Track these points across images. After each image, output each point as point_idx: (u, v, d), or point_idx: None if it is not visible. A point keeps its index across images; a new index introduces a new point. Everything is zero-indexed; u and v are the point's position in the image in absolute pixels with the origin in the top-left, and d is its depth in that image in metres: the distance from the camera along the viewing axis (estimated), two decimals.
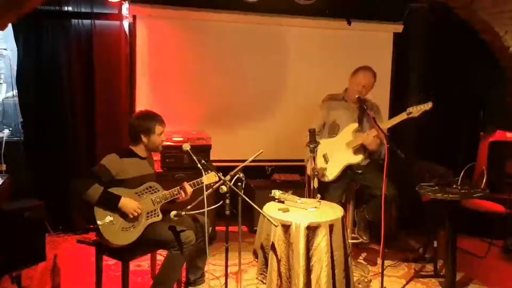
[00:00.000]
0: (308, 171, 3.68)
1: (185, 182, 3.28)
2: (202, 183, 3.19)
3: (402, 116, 3.63)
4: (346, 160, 3.84)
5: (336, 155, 3.87)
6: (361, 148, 3.83)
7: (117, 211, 3.01)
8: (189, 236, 3.11)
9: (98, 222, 2.95)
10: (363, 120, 3.91)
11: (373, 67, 3.90)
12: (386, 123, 3.72)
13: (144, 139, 3.19)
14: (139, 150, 3.23)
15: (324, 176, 3.85)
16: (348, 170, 3.89)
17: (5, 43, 4.69)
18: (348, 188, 4.01)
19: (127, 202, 3.02)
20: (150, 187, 3.21)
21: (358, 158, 3.82)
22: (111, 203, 2.99)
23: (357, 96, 3.80)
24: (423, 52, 5.39)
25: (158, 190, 3.24)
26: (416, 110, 3.58)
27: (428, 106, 3.56)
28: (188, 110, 4.90)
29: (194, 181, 3.28)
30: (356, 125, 3.85)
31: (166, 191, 3.23)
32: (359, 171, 3.91)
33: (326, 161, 3.90)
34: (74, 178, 3.03)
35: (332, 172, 3.86)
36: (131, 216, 3.03)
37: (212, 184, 3.25)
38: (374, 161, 3.93)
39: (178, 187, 3.26)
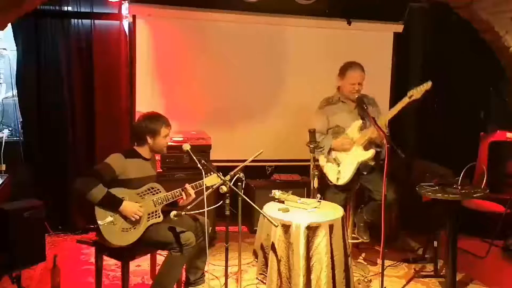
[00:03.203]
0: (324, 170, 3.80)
1: (187, 184, 3.27)
2: (204, 184, 3.18)
3: (405, 101, 3.57)
4: (358, 158, 3.76)
5: (347, 156, 3.80)
6: (369, 143, 3.76)
7: (118, 212, 3.01)
8: (189, 238, 3.10)
9: (99, 222, 2.94)
10: (365, 116, 3.84)
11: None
12: (390, 112, 3.66)
13: (149, 140, 3.18)
14: (144, 151, 3.22)
15: (337, 180, 3.80)
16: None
17: (5, 43, 4.68)
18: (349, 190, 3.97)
19: (129, 206, 3.01)
20: (152, 188, 3.21)
21: (369, 154, 3.74)
22: (112, 205, 2.99)
23: (356, 96, 3.78)
24: (423, 52, 5.40)
25: (160, 191, 3.23)
26: (417, 92, 3.53)
27: (428, 85, 3.52)
28: (188, 110, 4.89)
29: (196, 182, 3.25)
30: (360, 122, 3.80)
31: (168, 192, 3.23)
32: (364, 172, 3.87)
33: (338, 164, 3.83)
34: (78, 177, 3.02)
35: (345, 176, 3.78)
36: (133, 219, 3.03)
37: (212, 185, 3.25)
38: (378, 163, 3.87)
39: (180, 189, 3.25)
